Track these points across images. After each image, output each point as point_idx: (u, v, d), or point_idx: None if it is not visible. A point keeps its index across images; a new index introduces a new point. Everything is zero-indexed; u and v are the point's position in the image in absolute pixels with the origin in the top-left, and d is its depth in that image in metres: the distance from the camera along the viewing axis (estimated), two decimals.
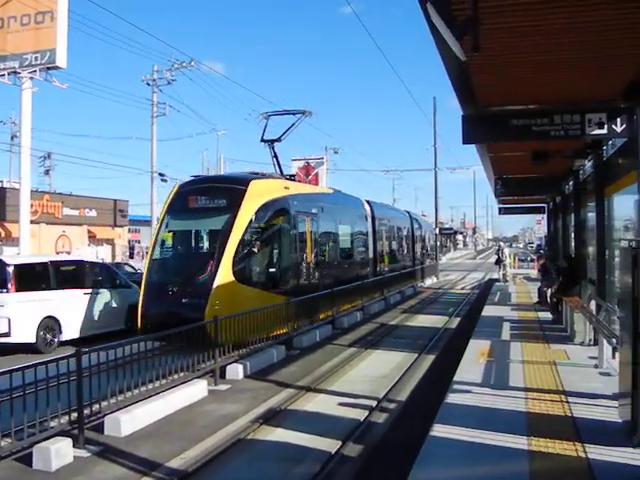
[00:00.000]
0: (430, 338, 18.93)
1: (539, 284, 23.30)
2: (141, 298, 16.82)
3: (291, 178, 23.63)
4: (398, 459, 8.20)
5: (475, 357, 12.87)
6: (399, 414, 11.00)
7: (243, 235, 17.04)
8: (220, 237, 17.10)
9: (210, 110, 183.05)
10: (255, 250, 17.56)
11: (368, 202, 30.28)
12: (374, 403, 11.56)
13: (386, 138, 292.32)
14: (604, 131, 10.66)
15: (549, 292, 19.23)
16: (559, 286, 17.79)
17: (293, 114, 24.52)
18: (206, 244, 18.58)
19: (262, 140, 23.95)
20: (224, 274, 16.34)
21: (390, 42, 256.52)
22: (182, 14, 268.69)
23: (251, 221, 17.41)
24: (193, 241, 18.91)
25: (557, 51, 8.61)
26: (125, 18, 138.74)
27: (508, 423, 8.12)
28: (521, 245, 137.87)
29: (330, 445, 9.10)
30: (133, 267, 35.47)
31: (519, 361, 12.38)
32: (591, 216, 17.15)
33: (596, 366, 11.66)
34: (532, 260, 50.73)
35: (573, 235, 21.67)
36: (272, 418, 10.63)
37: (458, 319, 23.49)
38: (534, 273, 39.35)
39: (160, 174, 43.62)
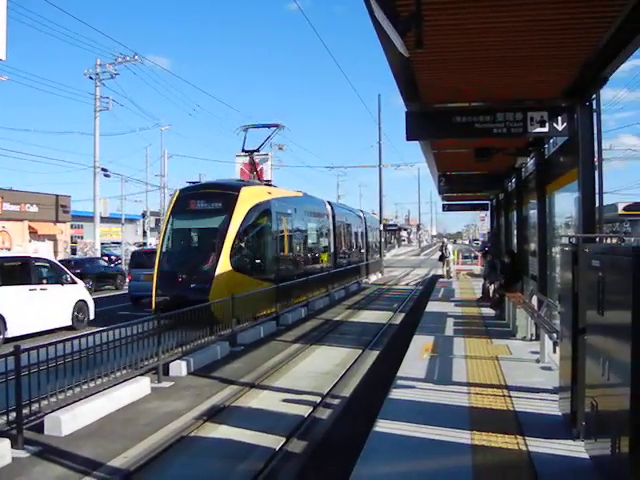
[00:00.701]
0: (374, 334, 18.97)
1: (483, 280, 23.47)
2: (155, 285, 20.23)
3: (268, 184, 27.19)
4: (342, 455, 8.19)
5: (419, 353, 12.92)
6: (343, 410, 11.01)
7: (237, 232, 20.71)
8: (219, 234, 20.63)
9: (155, 105, 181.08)
10: (247, 244, 21.41)
11: (329, 202, 34.79)
12: (318, 399, 11.56)
13: (331, 135, 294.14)
14: (545, 129, 10.76)
15: (492, 288, 19.39)
16: (502, 282, 17.97)
17: (268, 127, 29.23)
18: (207, 240, 21.41)
19: (243, 150, 28.94)
20: (223, 264, 20.03)
21: (335, 39, 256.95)
22: (127, 8, 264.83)
23: (243, 220, 21.08)
24: (196, 237, 22.31)
25: (501, 50, 8.65)
26: (68, 11, 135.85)
27: (451, 418, 8.18)
28: (466, 242, 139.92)
29: (274, 442, 9.07)
30: (110, 259, 35.39)
31: (462, 356, 12.46)
32: (533, 213, 17.29)
33: (538, 361, 11.80)
34: (476, 257, 51.59)
35: (515, 232, 21.78)
36: (216, 415, 10.56)
37: (402, 315, 23.60)
38: (478, 269, 39.85)
39: (103, 169, 43.08)
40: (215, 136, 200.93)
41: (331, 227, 33.21)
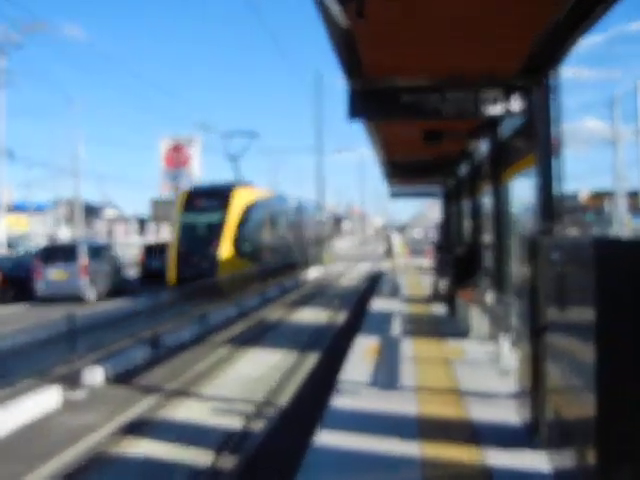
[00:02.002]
0: (313, 334, 19.05)
1: (433, 275, 23.65)
2: (174, 264, 28.35)
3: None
4: (278, 470, 8.09)
5: (362, 355, 12.88)
6: (279, 420, 10.92)
7: (236, 224, 29.55)
8: (221, 225, 29.20)
9: (71, 82, 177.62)
10: (242, 234, 29.95)
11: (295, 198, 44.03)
12: (251, 408, 11.45)
13: (266, 117, 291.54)
14: (499, 110, 10.75)
15: (442, 284, 19.45)
16: (454, 277, 18.04)
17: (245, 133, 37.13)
18: (212, 230, 29.27)
19: (228, 157, 36.27)
20: (226, 249, 28.70)
21: (270, 12, 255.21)
22: None
23: (239, 215, 29.90)
24: (203, 228, 29.61)
25: (449, 20, 8.60)
26: None
27: (399, 427, 8.13)
28: (417, 233, 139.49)
29: (203, 457, 8.94)
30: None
31: (411, 358, 12.44)
32: (487, 201, 17.38)
33: (494, 363, 11.81)
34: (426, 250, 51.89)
35: (469, 222, 21.88)
36: (137, 428, 10.36)
37: (345, 313, 23.70)
38: (427, 263, 40.03)
39: (9, 152, 42.00)
40: (138, 115, 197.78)
41: (265, 218, 35.37)
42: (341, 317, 23.03)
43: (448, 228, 29.53)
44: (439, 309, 19.57)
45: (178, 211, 30.63)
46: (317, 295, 30.94)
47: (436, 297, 21.23)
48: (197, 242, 29.01)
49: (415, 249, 61.75)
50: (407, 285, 28.00)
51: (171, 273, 28.35)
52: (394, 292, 25.13)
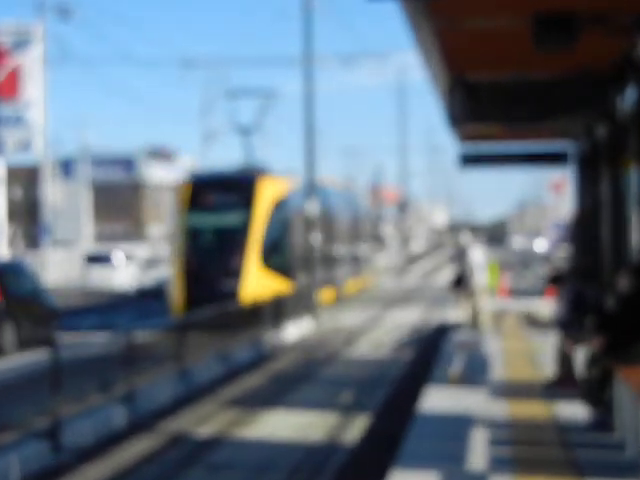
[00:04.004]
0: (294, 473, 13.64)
1: (558, 335, 16.91)
2: (182, 285, 26.72)
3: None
4: None
5: None
6: None
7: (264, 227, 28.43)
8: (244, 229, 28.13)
9: None
10: (273, 241, 28.86)
11: None
12: None
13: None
14: None
15: (581, 355, 14.21)
16: (609, 340, 12.36)
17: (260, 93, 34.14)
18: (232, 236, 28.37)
19: (236, 128, 33.54)
20: (253, 262, 27.58)
21: None
22: None
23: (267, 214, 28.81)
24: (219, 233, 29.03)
25: None
26: None
27: None
28: (523, 242, 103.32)
29: None
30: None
31: None
32: None
33: None
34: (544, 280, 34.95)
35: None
36: None
37: (364, 420, 16.99)
38: (547, 308, 27.16)
39: None
40: None
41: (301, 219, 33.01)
42: (355, 429, 16.40)
43: (590, 233, 22.23)
44: (573, 409, 14.00)
45: (180, 210, 28.61)
46: (299, 380, 22.31)
47: (566, 383, 15.31)
48: (212, 253, 28.00)
49: (519, 277, 48.53)
50: (502, 356, 20.70)
51: (178, 296, 26.78)
52: (473, 373, 18.29)
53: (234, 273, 26.75)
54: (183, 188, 28.78)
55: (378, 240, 63.61)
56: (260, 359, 24.69)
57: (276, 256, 28.74)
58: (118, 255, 51.47)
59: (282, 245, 29.60)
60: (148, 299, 37.18)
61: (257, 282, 26.61)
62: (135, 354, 17.86)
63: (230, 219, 27.81)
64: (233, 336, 24.00)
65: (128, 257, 51.95)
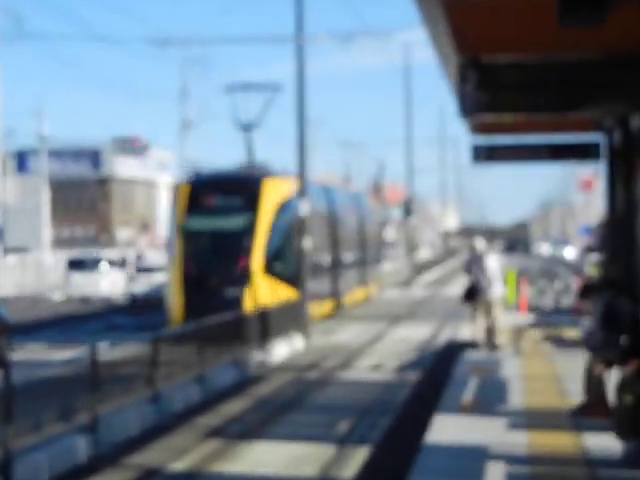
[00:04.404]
0: None
1: (587, 356, 15.88)
2: (180, 295, 26.64)
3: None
4: None
5: None
6: None
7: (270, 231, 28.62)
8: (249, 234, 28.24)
9: None
10: (279, 246, 29.09)
11: None
12: None
13: None
14: None
15: (614, 379, 13.68)
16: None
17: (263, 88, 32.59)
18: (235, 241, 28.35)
19: (237, 125, 31.97)
20: (259, 269, 27.73)
21: None
22: None
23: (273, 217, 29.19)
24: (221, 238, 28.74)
25: None
26: None
27: None
28: (543, 248, 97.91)
29: None
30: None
31: None
32: None
33: None
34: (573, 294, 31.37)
35: None
36: None
37: (362, 455, 15.83)
38: (574, 328, 24.97)
39: None
40: None
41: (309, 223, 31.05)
42: (353, 465, 15.34)
43: (626, 236, 20.82)
44: (603, 441, 13.35)
45: (178, 213, 28.07)
46: (288, 407, 20.41)
47: (596, 411, 14.52)
48: (213, 260, 27.55)
49: (543, 289, 44.33)
50: (522, 380, 19.46)
51: (175, 306, 26.40)
52: (488, 399, 17.12)
53: (238, 280, 26.46)
54: (182, 189, 28.48)
55: (384, 246, 62.16)
56: (243, 381, 23.41)
57: (282, 262, 28.38)
58: (104, 260, 49.90)
59: (288, 251, 28.91)
60: (140, 309, 37.02)
61: (262, 290, 26.31)
62: (101, 375, 16.43)
63: (234, 223, 27.40)
64: (214, 354, 22.63)
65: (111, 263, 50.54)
